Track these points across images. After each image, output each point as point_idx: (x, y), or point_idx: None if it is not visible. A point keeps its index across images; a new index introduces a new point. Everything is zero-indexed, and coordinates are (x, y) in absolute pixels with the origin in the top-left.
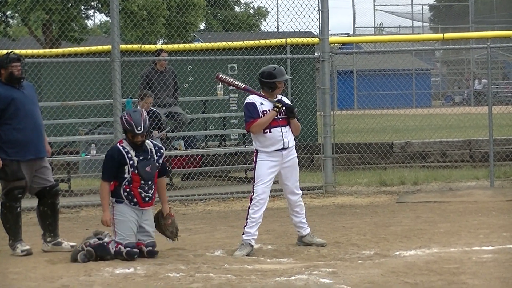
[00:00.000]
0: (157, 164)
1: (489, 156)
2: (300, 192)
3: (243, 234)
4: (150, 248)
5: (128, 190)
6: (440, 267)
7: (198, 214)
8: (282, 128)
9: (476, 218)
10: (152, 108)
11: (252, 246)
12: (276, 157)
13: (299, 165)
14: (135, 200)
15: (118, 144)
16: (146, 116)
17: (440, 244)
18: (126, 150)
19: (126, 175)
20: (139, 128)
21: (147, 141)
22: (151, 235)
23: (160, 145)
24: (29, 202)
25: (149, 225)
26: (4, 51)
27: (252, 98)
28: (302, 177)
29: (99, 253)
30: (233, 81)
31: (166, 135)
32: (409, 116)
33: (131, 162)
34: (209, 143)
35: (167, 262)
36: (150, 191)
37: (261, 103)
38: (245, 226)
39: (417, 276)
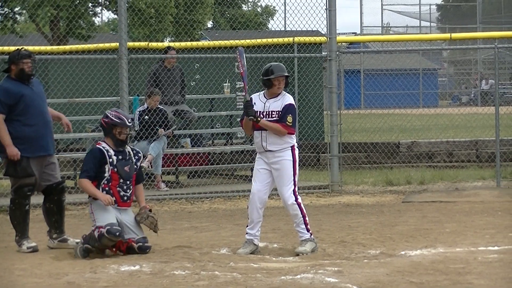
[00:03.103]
0: (135, 166)
1: (496, 156)
2: (292, 201)
3: (246, 234)
4: (141, 244)
5: (107, 188)
6: (446, 267)
7: (204, 212)
8: (262, 132)
9: (482, 218)
10: (159, 106)
11: (255, 245)
12: (264, 157)
13: (305, 164)
14: (113, 198)
15: (97, 146)
16: None
17: (446, 244)
18: (106, 149)
19: (106, 174)
20: (129, 120)
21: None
22: (138, 232)
23: (138, 150)
24: (35, 199)
25: (132, 225)
26: (12, 48)
27: (252, 96)
28: (308, 176)
29: (91, 243)
30: (243, 64)
31: (173, 133)
32: (416, 116)
33: (110, 160)
34: (215, 141)
35: (172, 260)
36: (128, 190)
37: (255, 103)
38: (247, 226)
39: (423, 276)
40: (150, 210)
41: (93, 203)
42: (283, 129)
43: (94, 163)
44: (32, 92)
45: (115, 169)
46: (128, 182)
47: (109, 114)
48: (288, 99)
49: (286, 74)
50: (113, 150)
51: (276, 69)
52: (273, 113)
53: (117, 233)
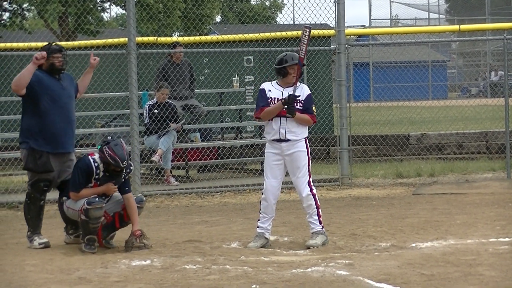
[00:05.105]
0: (123, 180)
1: (506, 148)
2: (307, 192)
3: (257, 227)
4: (135, 197)
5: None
6: (456, 258)
7: (215, 207)
8: (282, 118)
9: (492, 209)
10: (168, 101)
11: (266, 238)
12: (277, 149)
13: (315, 157)
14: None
15: (90, 157)
16: (125, 146)
17: (456, 235)
18: (96, 164)
19: (89, 185)
20: (124, 163)
21: None
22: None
23: (131, 163)
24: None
25: (115, 199)
26: (21, 44)
27: (264, 85)
28: (318, 169)
29: (86, 229)
30: (304, 48)
31: (182, 127)
32: (425, 108)
33: (97, 176)
34: (225, 136)
35: (183, 254)
36: (104, 197)
37: (269, 90)
38: (258, 220)
39: (434, 268)
40: (140, 235)
41: (64, 202)
42: (311, 120)
43: (84, 178)
44: (61, 88)
45: (98, 182)
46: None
47: (105, 152)
48: (307, 88)
49: (299, 63)
50: (103, 167)
51: (290, 57)
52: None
53: (97, 199)
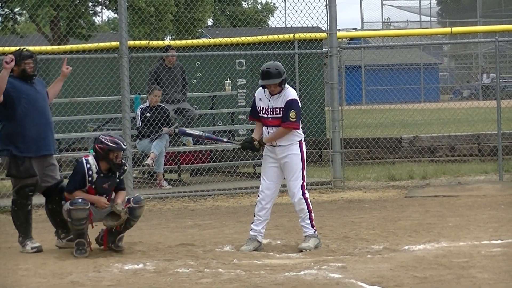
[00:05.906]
0: (117, 180)
1: (498, 150)
2: (299, 196)
3: (251, 230)
4: (132, 199)
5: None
6: (449, 261)
7: (207, 210)
8: (269, 128)
9: (485, 212)
10: (160, 104)
11: (259, 242)
12: (272, 152)
13: (307, 160)
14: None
15: (83, 158)
16: None
17: (449, 238)
18: (88, 166)
19: (84, 188)
20: (124, 143)
21: None
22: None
23: (125, 162)
24: (38, 199)
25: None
26: (13, 48)
27: (257, 92)
28: (311, 172)
29: (75, 235)
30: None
31: (174, 131)
32: (417, 111)
33: (90, 178)
34: None
35: (176, 257)
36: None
37: (260, 99)
38: (252, 222)
39: (427, 270)
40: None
41: (66, 203)
42: (287, 130)
43: (78, 179)
44: (36, 92)
45: (93, 186)
46: (105, 195)
47: (103, 140)
48: (289, 94)
49: (273, 82)
50: (97, 168)
51: (265, 75)
52: (277, 109)
53: (80, 200)
